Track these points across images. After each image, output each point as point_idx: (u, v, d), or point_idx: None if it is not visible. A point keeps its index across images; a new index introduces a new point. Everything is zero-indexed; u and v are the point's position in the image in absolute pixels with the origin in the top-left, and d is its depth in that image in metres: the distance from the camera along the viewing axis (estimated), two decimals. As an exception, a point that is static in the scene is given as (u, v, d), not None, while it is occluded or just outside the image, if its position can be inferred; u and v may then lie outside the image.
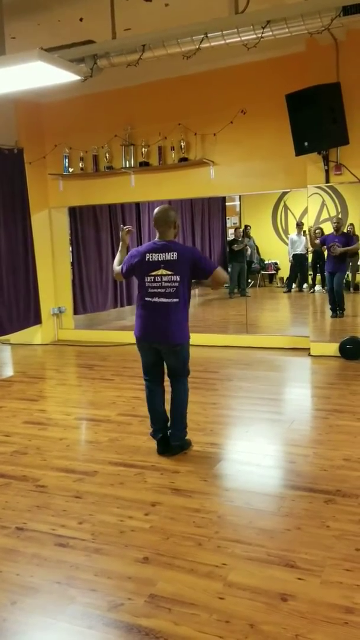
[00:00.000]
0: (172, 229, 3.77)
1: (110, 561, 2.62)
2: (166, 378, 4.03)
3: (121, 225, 4.36)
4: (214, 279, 3.73)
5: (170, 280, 3.69)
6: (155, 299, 3.73)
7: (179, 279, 3.69)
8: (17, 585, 2.47)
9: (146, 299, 3.77)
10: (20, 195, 7.87)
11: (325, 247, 7.47)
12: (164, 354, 3.85)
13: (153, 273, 3.72)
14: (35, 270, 8.11)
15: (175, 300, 3.71)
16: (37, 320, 8.19)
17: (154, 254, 3.72)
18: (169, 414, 3.97)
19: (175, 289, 3.70)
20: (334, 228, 7.15)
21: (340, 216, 6.98)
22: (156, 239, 3.80)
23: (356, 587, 2.34)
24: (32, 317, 8.11)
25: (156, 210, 3.80)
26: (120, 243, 4.09)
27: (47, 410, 5.07)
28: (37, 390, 5.79)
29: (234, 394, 5.32)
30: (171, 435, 3.90)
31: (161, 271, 3.70)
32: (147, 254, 3.75)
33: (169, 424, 3.95)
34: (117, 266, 3.99)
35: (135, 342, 3.92)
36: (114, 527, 2.92)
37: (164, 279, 3.70)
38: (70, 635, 2.16)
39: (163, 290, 3.71)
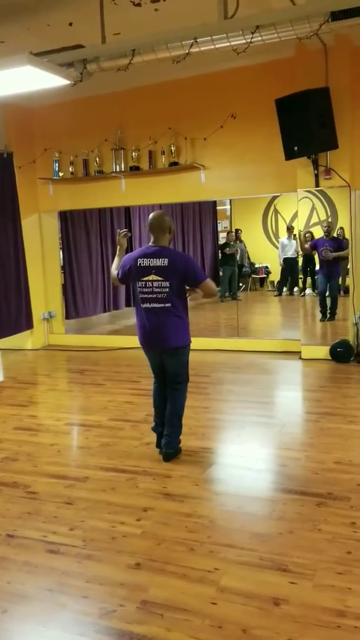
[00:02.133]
0: (166, 235, 3.77)
1: (102, 567, 2.60)
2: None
3: (118, 230, 4.35)
4: (202, 290, 3.75)
5: (161, 286, 3.68)
6: (147, 305, 3.74)
7: (169, 285, 3.67)
8: (8, 593, 2.45)
9: (140, 305, 3.80)
10: (10, 200, 7.84)
11: (316, 251, 7.48)
12: (163, 359, 3.85)
13: (144, 278, 3.72)
14: (26, 275, 8.07)
15: (167, 305, 3.70)
16: (29, 325, 8.15)
17: (145, 259, 3.72)
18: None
19: (165, 294, 3.69)
20: (324, 232, 7.15)
21: (330, 220, 6.99)
22: (150, 243, 3.79)
23: (348, 590, 2.34)
24: (24, 322, 8.07)
25: (151, 215, 3.79)
26: (118, 247, 4.06)
27: (38, 415, 5.04)
28: (27, 395, 5.76)
29: (226, 398, 5.32)
30: (166, 443, 3.85)
31: (152, 277, 3.69)
32: (139, 259, 3.74)
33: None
34: (114, 271, 3.99)
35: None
36: (106, 533, 2.91)
37: (155, 284, 3.69)
38: (61, 642, 2.14)
39: (154, 296, 3.71)
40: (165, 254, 3.70)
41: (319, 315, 7.82)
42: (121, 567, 2.59)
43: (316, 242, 7.35)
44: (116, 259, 4.01)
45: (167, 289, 3.68)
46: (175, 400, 3.88)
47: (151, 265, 3.69)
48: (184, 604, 2.31)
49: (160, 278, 3.68)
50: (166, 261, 3.67)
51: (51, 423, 4.77)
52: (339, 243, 7.26)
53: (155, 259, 3.69)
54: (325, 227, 7.05)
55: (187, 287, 3.81)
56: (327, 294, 7.78)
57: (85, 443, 4.26)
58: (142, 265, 3.72)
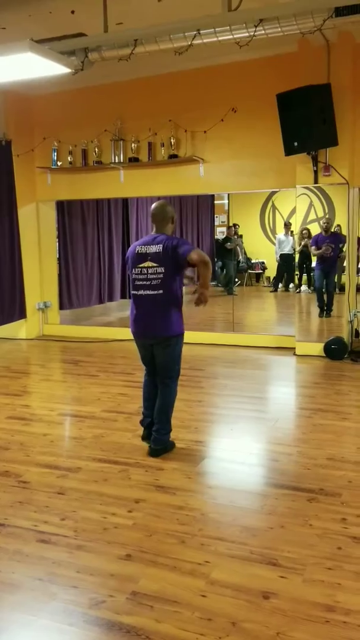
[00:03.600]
0: (169, 224, 3.77)
1: (93, 558, 2.61)
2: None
3: None
4: (193, 261, 3.55)
5: (156, 272, 3.65)
6: (141, 292, 3.71)
7: (163, 271, 3.63)
8: (-2, 581, 2.45)
9: (133, 292, 3.77)
10: (7, 188, 7.79)
11: (315, 247, 7.43)
12: (154, 350, 3.77)
13: (140, 265, 3.70)
14: (21, 264, 8.04)
15: (160, 292, 3.65)
16: (22, 314, 8.12)
17: (143, 247, 3.72)
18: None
19: (160, 280, 3.64)
20: (323, 228, 7.14)
21: (328, 216, 6.98)
22: (152, 232, 3.80)
23: (337, 585, 2.36)
24: (17, 311, 8.04)
25: (153, 205, 3.80)
26: None
27: (31, 405, 5.03)
28: (21, 385, 5.75)
29: (219, 392, 5.32)
30: (153, 439, 3.77)
31: (147, 263, 3.67)
32: (137, 247, 3.75)
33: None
34: None
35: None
36: (97, 523, 2.91)
37: (150, 270, 3.66)
38: (50, 632, 2.15)
39: (148, 283, 3.67)
40: (160, 241, 3.67)
41: (315, 312, 7.79)
42: (112, 558, 2.60)
43: (316, 239, 7.34)
44: None
45: (162, 275, 3.64)
46: (164, 397, 3.80)
47: (147, 252, 3.68)
48: (173, 595, 2.31)
49: (155, 264, 3.65)
50: (160, 247, 3.65)
51: (44, 413, 4.76)
52: (339, 239, 7.25)
53: (152, 246, 3.68)
54: (324, 223, 7.04)
55: (184, 281, 3.79)
56: (324, 289, 7.76)
57: (78, 434, 4.26)
58: (139, 252, 3.72)
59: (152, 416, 3.87)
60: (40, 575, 2.49)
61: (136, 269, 3.72)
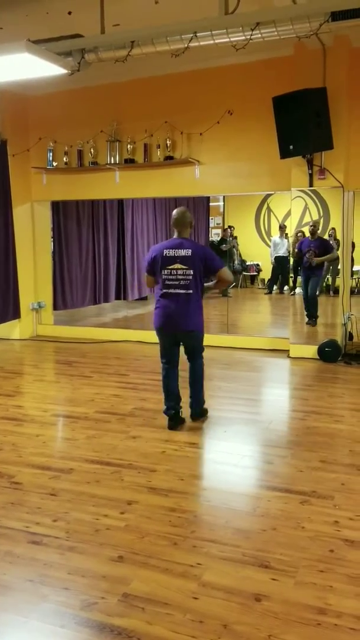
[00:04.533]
0: (188, 229, 4.31)
1: (85, 560, 2.60)
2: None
3: None
4: (220, 277, 4.28)
5: (185, 274, 4.17)
6: (172, 290, 4.21)
7: (192, 273, 4.17)
8: (-11, 582, 2.44)
9: (164, 290, 4.25)
10: (3, 188, 7.77)
11: (302, 251, 7.32)
12: (182, 339, 4.33)
13: (170, 267, 4.19)
14: (15, 264, 8.01)
15: (189, 291, 4.19)
16: (16, 314, 8.10)
17: (171, 250, 4.21)
18: (184, 390, 4.47)
19: (189, 281, 4.17)
20: (310, 232, 7.07)
21: (317, 219, 6.92)
22: (174, 236, 4.29)
23: (329, 588, 2.36)
24: (11, 311, 8.02)
25: (175, 212, 4.31)
26: None
27: (24, 406, 5.02)
28: (14, 385, 5.73)
29: (213, 394, 5.32)
30: (193, 404, 4.44)
31: (177, 265, 4.18)
32: (165, 250, 4.23)
33: (188, 399, 4.46)
34: (145, 280, 4.55)
35: (155, 329, 4.40)
36: (89, 525, 2.90)
37: (179, 272, 4.18)
38: (41, 634, 2.14)
39: (178, 282, 4.19)
40: (188, 245, 4.21)
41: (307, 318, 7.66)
42: (104, 560, 2.59)
43: (301, 243, 7.28)
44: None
45: (191, 277, 4.17)
46: (196, 370, 4.45)
47: (176, 255, 4.18)
48: (165, 598, 2.31)
49: (184, 267, 4.17)
50: (190, 252, 4.17)
51: (37, 414, 4.75)
52: (324, 244, 7.17)
53: (180, 250, 4.19)
54: (310, 227, 6.97)
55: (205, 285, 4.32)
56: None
57: (71, 435, 4.25)
58: (167, 255, 4.20)
59: (174, 406, 4.37)
60: (31, 576, 2.48)
61: (166, 270, 4.21)
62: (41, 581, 2.45)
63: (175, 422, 4.34)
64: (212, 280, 4.41)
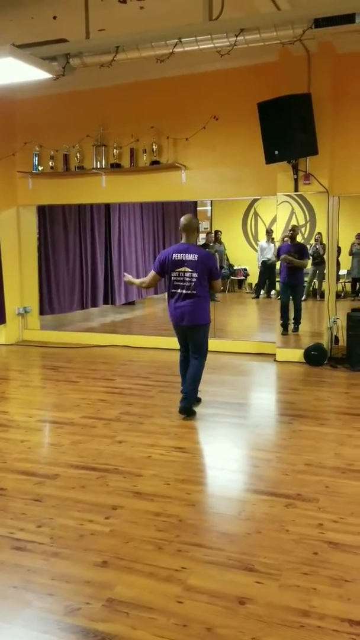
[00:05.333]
0: (195, 234, 4.76)
1: (69, 565, 2.59)
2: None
3: (123, 274, 5.70)
4: (213, 285, 4.77)
5: (191, 276, 4.61)
6: (179, 290, 4.66)
7: (197, 276, 4.60)
8: (-28, 589, 2.42)
9: (172, 290, 4.71)
10: (-12, 193, 7.74)
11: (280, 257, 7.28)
12: (188, 334, 4.76)
13: (178, 269, 4.63)
14: (0, 269, 7.97)
15: (194, 291, 4.61)
16: (1, 319, 8.06)
17: (179, 254, 4.65)
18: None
19: (194, 283, 4.61)
20: (289, 236, 7.09)
21: (296, 225, 6.95)
22: (182, 241, 4.72)
23: (313, 590, 2.37)
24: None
25: (183, 218, 4.74)
26: (132, 282, 5.08)
27: (9, 411, 4.99)
28: None
29: (200, 398, 5.32)
30: (183, 400, 4.77)
31: (184, 268, 4.62)
32: (173, 254, 4.67)
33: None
34: (145, 278, 4.94)
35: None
36: (74, 530, 2.89)
37: (186, 275, 4.62)
38: (24, 640, 2.12)
39: (184, 284, 4.64)
40: (195, 251, 4.65)
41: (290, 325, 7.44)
42: (88, 565, 2.58)
43: (280, 248, 7.30)
44: (136, 281, 5.05)
45: (195, 279, 4.60)
46: (195, 369, 4.79)
47: (183, 259, 4.62)
48: (149, 602, 2.31)
49: (190, 270, 4.60)
50: (196, 257, 4.61)
51: (22, 419, 4.72)
52: (302, 249, 7.17)
53: (187, 254, 4.62)
54: (290, 231, 6.99)
55: None
56: (289, 303, 7.35)
57: (57, 440, 4.23)
58: (176, 259, 4.65)
59: None
60: (15, 582, 2.46)
61: (174, 272, 4.66)
62: (25, 587, 2.43)
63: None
64: None
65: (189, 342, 4.84)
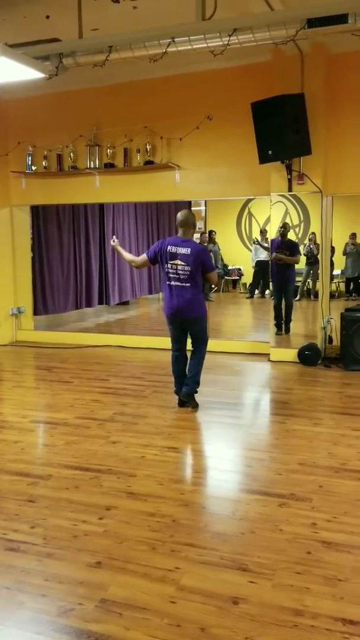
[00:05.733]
0: (191, 229, 4.85)
1: (62, 566, 2.58)
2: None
3: (112, 237, 5.42)
4: (206, 278, 4.84)
5: (184, 270, 4.67)
6: (173, 283, 4.73)
7: (190, 269, 4.66)
8: (-35, 591, 2.41)
9: (167, 282, 4.77)
10: (-19, 193, 7.71)
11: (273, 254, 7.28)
12: (187, 326, 4.85)
13: (171, 262, 4.70)
14: (-6, 269, 7.95)
15: (187, 284, 4.69)
16: (-4, 320, 8.03)
17: (174, 247, 4.72)
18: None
19: (187, 275, 4.68)
20: (280, 234, 7.10)
21: (287, 222, 6.95)
22: (178, 235, 4.81)
23: (306, 589, 2.37)
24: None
25: (179, 214, 4.84)
26: (118, 250, 5.14)
27: (3, 412, 4.97)
28: (-7, 391, 5.67)
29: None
30: (185, 385, 4.88)
31: (177, 261, 4.69)
32: (169, 246, 4.74)
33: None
34: (136, 258, 5.09)
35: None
36: (67, 531, 2.88)
37: (179, 267, 4.68)
38: (17, 641, 2.12)
39: (178, 276, 4.70)
40: (189, 245, 4.72)
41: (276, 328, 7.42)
42: (81, 566, 2.58)
43: (272, 242, 7.29)
44: (125, 254, 5.13)
45: (188, 272, 4.66)
46: (198, 357, 4.91)
47: (177, 252, 4.70)
48: (143, 602, 2.30)
49: (183, 263, 4.66)
50: (189, 250, 4.68)
51: (16, 420, 4.71)
52: (292, 246, 7.17)
53: (181, 248, 4.70)
54: (280, 228, 7.00)
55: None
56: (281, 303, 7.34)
57: (50, 441, 4.22)
58: (171, 251, 4.72)
59: (182, 384, 4.92)
60: (8, 583, 2.45)
61: (168, 264, 4.72)
62: (18, 588, 2.42)
63: (184, 401, 4.93)
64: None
65: (190, 334, 4.94)
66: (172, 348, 5.02)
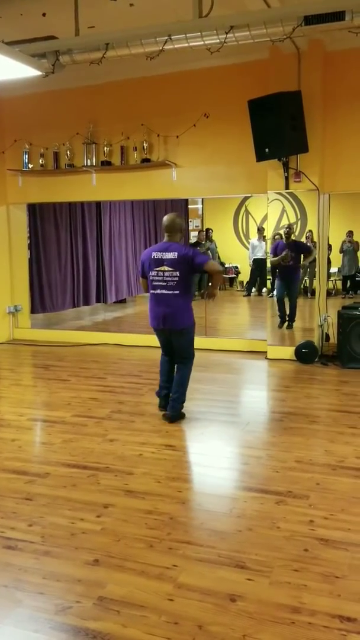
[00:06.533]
0: (178, 234, 4.47)
1: (60, 564, 2.58)
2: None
3: None
4: (207, 271, 4.41)
5: (172, 275, 4.36)
6: (159, 291, 4.42)
7: (178, 274, 4.35)
8: None
9: (152, 291, 4.47)
10: (-22, 191, 7.70)
11: (273, 255, 7.26)
12: (171, 337, 4.50)
13: (157, 268, 4.40)
14: (-9, 268, 7.94)
15: (176, 292, 4.37)
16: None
17: (159, 253, 4.42)
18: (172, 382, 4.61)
19: (175, 282, 4.36)
20: (285, 235, 7.09)
21: (292, 223, 6.96)
22: (164, 240, 4.49)
23: (303, 587, 2.38)
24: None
25: (165, 217, 4.50)
26: None
27: (0, 410, 4.96)
28: (-10, 389, 5.67)
29: (191, 396, 5.31)
30: (171, 407, 4.53)
31: (164, 267, 4.38)
32: (153, 253, 4.45)
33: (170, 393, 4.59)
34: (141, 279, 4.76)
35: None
36: (65, 529, 2.88)
37: (166, 274, 4.37)
38: (15, 639, 2.11)
39: (165, 284, 4.39)
40: (175, 249, 4.38)
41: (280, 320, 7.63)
42: (79, 564, 2.58)
43: (276, 246, 7.29)
44: None
45: (177, 278, 4.35)
46: (182, 374, 4.57)
47: (163, 257, 4.38)
48: (141, 600, 2.31)
49: (170, 269, 4.36)
50: (176, 254, 4.35)
51: (13, 418, 4.70)
52: (299, 246, 7.19)
53: (167, 253, 4.38)
54: (286, 230, 7.00)
55: (202, 291, 4.23)
56: (284, 299, 7.44)
57: (48, 439, 4.22)
58: (156, 257, 4.42)
59: (168, 388, 4.62)
60: (5, 582, 2.45)
61: (153, 272, 4.42)
62: (16, 586, 2.42)
63: (165, 402, 4.61)
64: (209, 292, 4.65)
65: (174, 347, 4.57)
66: (162, 352, 4.77)
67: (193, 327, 4.55)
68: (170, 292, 4.37)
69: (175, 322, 4.41)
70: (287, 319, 7.39)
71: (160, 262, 4.40)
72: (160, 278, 4.40)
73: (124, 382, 5.82)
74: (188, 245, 4.69)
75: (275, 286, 7.56)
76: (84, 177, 7.71)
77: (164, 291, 4.39)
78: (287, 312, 7.43)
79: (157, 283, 4.42)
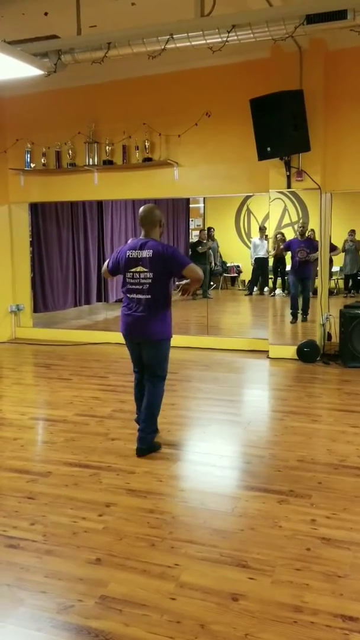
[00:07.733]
0: (156, 228, 3.83)
1: (62, 563, 2.59)
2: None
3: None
4: (186, 276, 3.72)
5: (146, 277, 3.72)
6: (133, 295, 3.78)
7: (152, 276, 3.70)
8: (-36, 588, 2.41)
9: (126, 294, 3.84)
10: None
11: (289, 252, 7.44)
12: (142, 349, 3.86)
13: (132, 269, 3.77)
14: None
15: (148, 296, 3.73)
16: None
17: (134, 251, 3.77)
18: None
19: (148, 285, 3.72)
20: (298, 233, 7.11)
21: (303, 221, 6.99)
22: (141, 236, 3.84)
23: (305, 586, 2.38)
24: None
25: (141, 209, 3.83)
26: None
27: (2, 409, 4.97)
28: (-8, 388, 5.67)
29: (193, 395, 5.33)
30: (139, 439, 3.84)
31: (139, 268, 3.74)
32: (128, 251, 3.79)
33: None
34: (104, 266, 4.05)
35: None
36: (67, 528, 2.89)
37: (141, 275, 3.73)
38: (17, 638, 2.12)
39: (140, 287, 3.75)
40: (151, 246, 3.73)
41: (288, 316, 7.80)
42: (81, 563, 2.58)
43: (290, 243, 7.31)
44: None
45: (151, 280, 3.71)
46: (150, 396, 3.87)
47: (138, 257, 3.74)
48: (143, 599, 2.31)
49: (145, 269, 3.72)
50: (151, 253, 3.70)
51: (15, 417, 4.71)
52: (313, 244, 7.23)
53: (142, 251, 3.73)
54: (300, 227, 7.03)
55: (177, 283, 3.81)
56: (298, 297, 7.73)
57: (50, 438, 4.22)
58: (130, 257, 3.77)
59: None
60: (8, 580, 2.46)
61: (128, 273, 3.79)
62: (18, 585, 2.43)
63: None
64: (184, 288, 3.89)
65: (144, 361, 3.88)
66: (133, 370, 4.07)
67: (168, 342, 3.88)
68: (144, 296, 3.72)
69: (146, 330, 3.75)
70: (300, 314, 7.64)
71: (135, 262, 3.75)
72: (136, 281, 3.74)
73: (125, 381, 5.81)
74: (169, 244, 4.06)
75: (289, 283, 7.88)
76: (85, 177, 7.71)
77: (139, 296, 3.74)
78: (300, 307, 7.66)
79: (132, 287, 3.77)
